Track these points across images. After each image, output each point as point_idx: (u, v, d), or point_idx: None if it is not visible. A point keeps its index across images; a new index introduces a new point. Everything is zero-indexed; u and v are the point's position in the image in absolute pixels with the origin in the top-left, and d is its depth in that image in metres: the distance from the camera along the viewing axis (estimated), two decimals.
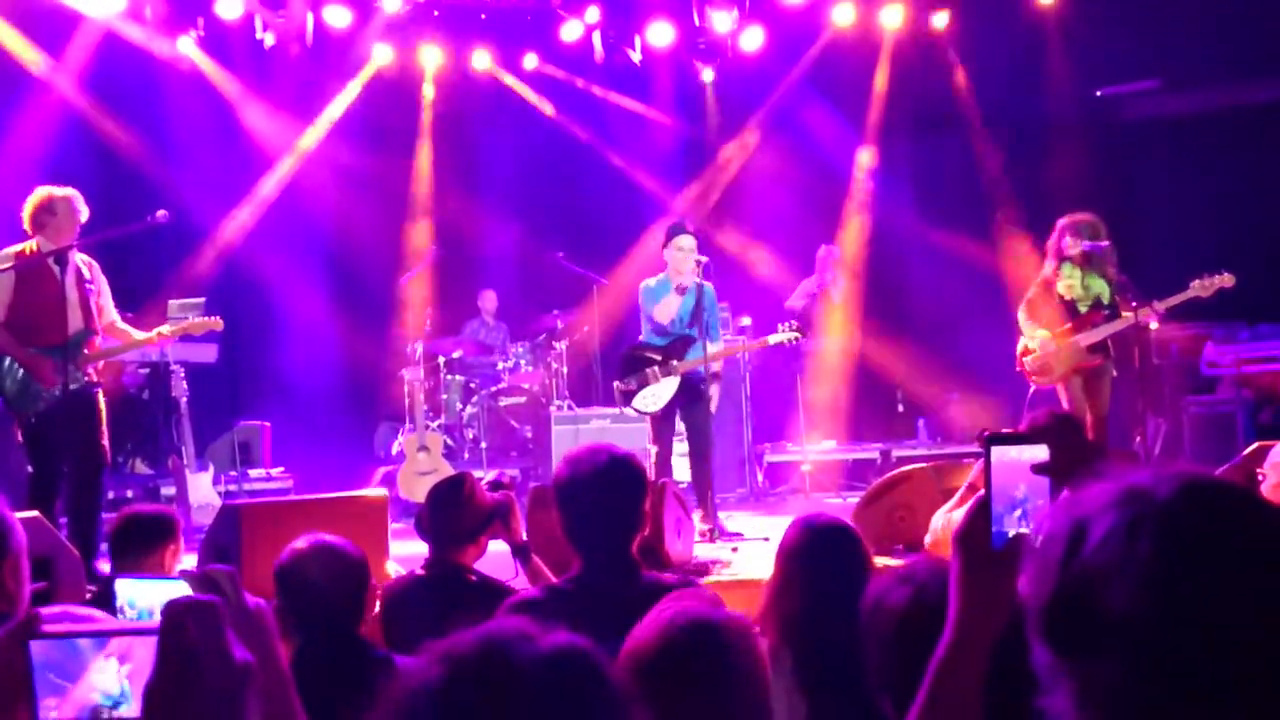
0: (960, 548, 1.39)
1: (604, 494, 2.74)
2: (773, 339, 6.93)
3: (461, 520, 3.49)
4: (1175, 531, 0.94)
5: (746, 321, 9.60)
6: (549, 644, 1.07)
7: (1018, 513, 1.37)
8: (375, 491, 5.21)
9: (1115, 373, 6.57)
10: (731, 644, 1.82)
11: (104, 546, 5.63)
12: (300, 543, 2.72)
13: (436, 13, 10.01)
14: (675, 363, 6.59)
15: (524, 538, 3.67)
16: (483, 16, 10.21)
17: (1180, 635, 0.92)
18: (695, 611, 1.88)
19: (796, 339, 6.95)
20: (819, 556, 2.56)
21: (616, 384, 6.76)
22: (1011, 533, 1.36)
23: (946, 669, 1.38)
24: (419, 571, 3.50)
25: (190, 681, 1.15)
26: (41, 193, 5.67)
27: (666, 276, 6.75)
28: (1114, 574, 0.94)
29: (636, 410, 6.67)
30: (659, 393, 6.57)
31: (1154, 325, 6.54)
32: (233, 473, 8.57)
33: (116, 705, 1.25)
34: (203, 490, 7.63)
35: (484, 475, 4.07)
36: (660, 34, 10.22)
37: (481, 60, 10.58)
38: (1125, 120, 10.41)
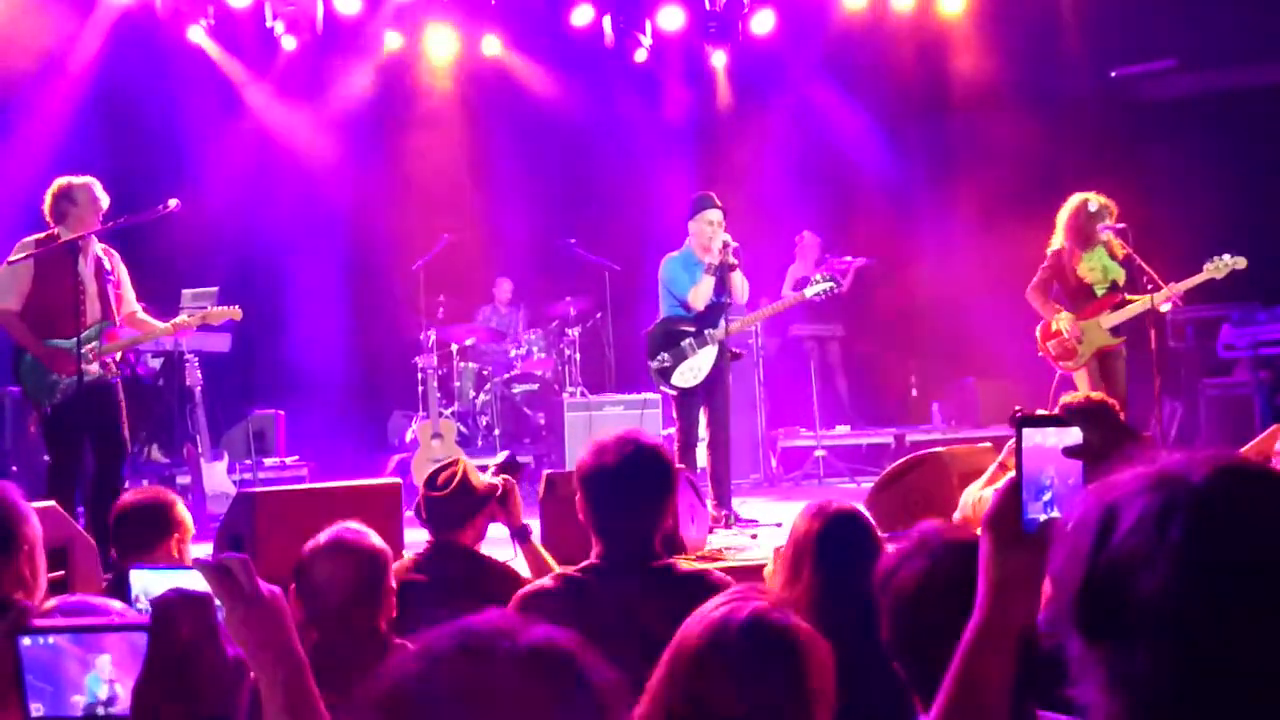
0: (990, 531, 1.37)
1: (629, 484, 2.70)
2: (809, 291, 6.73)
3: (455, 505, 3.55)
4: (1207, 517, 0.92)
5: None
6: (527, 639, 1.06)
7: (1046, 496, 1.35)
8: (388, 479, 5.21)
9: (1126, 354, 6.53)
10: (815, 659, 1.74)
11: None
12: (320, 537, 2.71)
13: None
14: (711, 331, 6.33)
15: (522, 521, 3.75)
16: (492, 2, 10.18)
17: (1212, 622, 0.90)
18: (780, 618, 1.77)
19: (833, 289, 6.74)
20: (830, 543, 2.55)
21: (652, 362, 6.42)
22: (1041, 518, 1.34)
23: (974, 654, 1.37)
24: (418, 555, 3.54)
25: (181, 677, 1.14)
26: (60, 182, 5.65)
27: (689, 249, 6.48)
28: (1145, 560, 0.92)
29: (675, 387, 6.36)
30: (697, 365, 6.30)
31: (1166, 308, 6.48)
32: (247, 461, 8.59)
33: (105, 702, 1.23)
34: (218, 478, 7.67)
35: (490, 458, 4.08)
36: (671, 18, 10.18)
37: (492, 46, 10.56)
38: (1141, 100, 10.33)
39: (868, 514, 2.74)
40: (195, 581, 1.44)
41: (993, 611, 1.36)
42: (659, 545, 2.79)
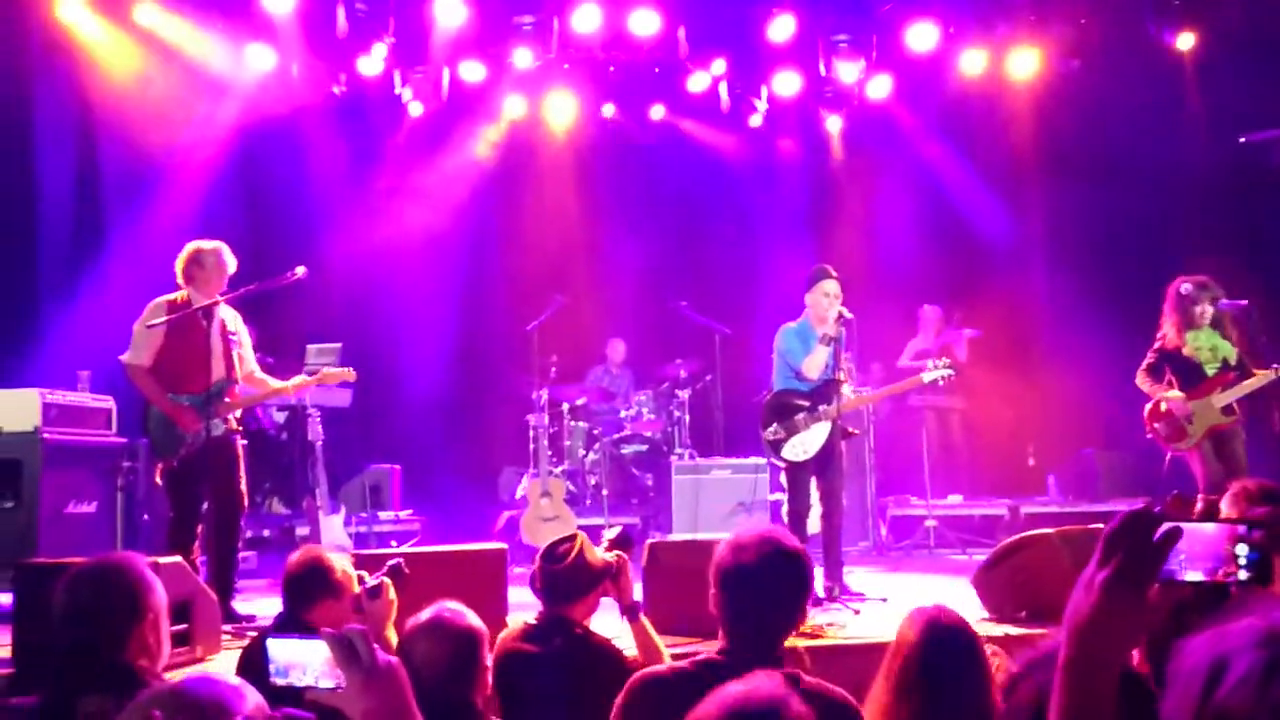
0: (1114, 551, 1.30)
1: (766, 588, 2.66)
2: (926, 376, 6.64)
3: (571, 579, 3.57)
4: None
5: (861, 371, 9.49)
6: None
7: (1181, 556, 1.31)
8: (494, 544, 5.30)
9: (1245, 435, 6.36)
10: None
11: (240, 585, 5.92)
12: (422, 615, 2.81)
13: (566, 66, 10.25)
14: (825, 408, 6.33)
15: (634, 598, 3.74)
16: (611, 69, 10.41)
17: None
18: None
19: (949, 375, 6.66)
20: (938, 658, 2.50)
21: (765, 433, 6.42)
22: (1188, 577, 1.30)
23: (1071, 687, 1.30)
24: (529, 624, 3.58)
25: None
26: (191, 247, 5.96)
27: (806, 321, 6.53)
28: (1248, 715, 0.94)
29: (785, 460, 6.37)
30: (809, 440, 6.32)
31: None
32: (363, 514, 8.82)
33: None
34: (335, 531, 7.87)
35: (609, 527, 4.10)
36: (787, 84, 10.27)
37: (609, 111, 10.78)
38: (1272, 167, 10.02)
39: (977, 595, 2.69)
40: (322, 650, 1.59)
41: (1091, 637, 1.29)
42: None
